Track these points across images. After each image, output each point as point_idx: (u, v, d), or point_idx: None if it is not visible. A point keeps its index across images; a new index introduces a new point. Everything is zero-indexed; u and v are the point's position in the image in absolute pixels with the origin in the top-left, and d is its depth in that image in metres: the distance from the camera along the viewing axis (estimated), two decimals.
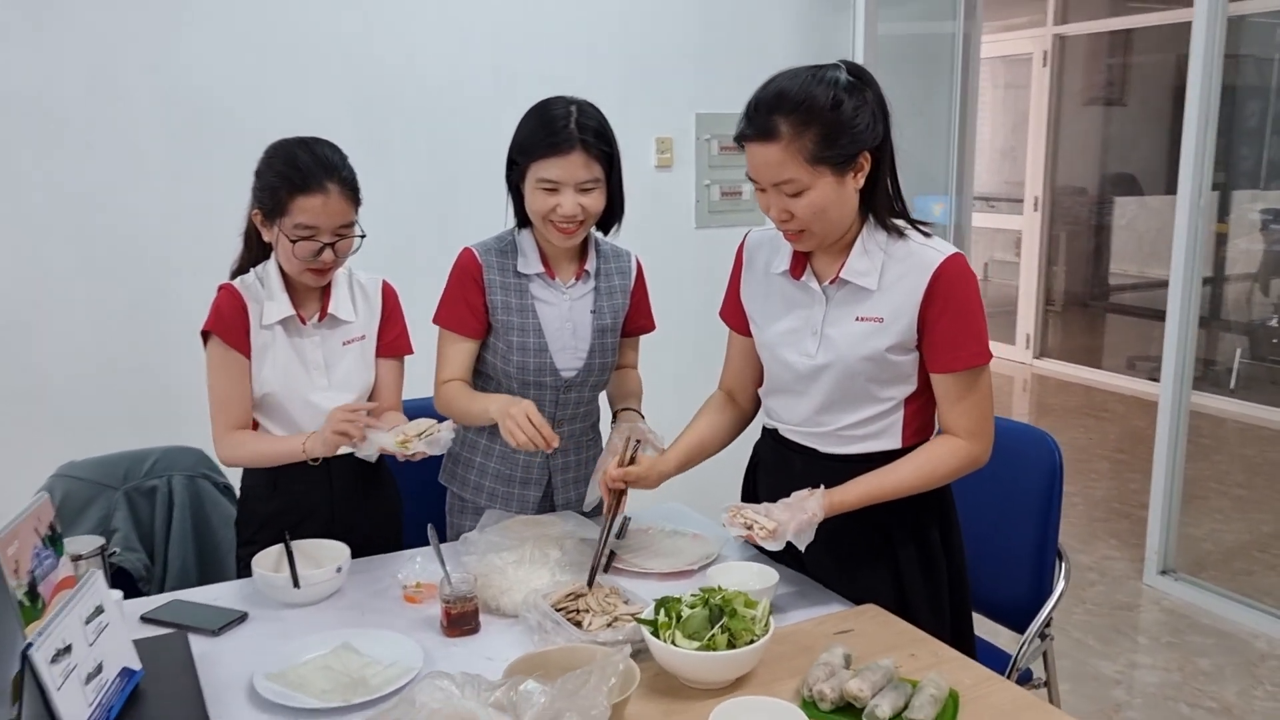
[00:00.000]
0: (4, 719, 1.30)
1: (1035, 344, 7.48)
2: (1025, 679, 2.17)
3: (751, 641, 1.48)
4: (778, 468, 1.89)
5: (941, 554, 1.83)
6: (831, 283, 1.75)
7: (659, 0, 3.72)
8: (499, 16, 3.49)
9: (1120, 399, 6.54)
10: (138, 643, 1.52)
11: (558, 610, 1.66)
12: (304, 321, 2.01)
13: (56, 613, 1.30)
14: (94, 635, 1.36)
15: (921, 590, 1.81)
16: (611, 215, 2.07)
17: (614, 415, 2.17)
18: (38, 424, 3.02)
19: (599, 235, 2.13)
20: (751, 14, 3.87)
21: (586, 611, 1.66)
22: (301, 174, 1.89)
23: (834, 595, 1.83)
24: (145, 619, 1.74)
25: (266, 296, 1.99)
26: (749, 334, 1.92)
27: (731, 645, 1.47)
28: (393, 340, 2.13)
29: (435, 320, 2.09)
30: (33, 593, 1.40)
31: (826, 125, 1.60)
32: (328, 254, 1.93)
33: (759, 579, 1.77)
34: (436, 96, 3.43)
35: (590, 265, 2.10)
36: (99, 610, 1.40)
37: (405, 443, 1.86)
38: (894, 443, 1.78)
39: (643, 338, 2.29)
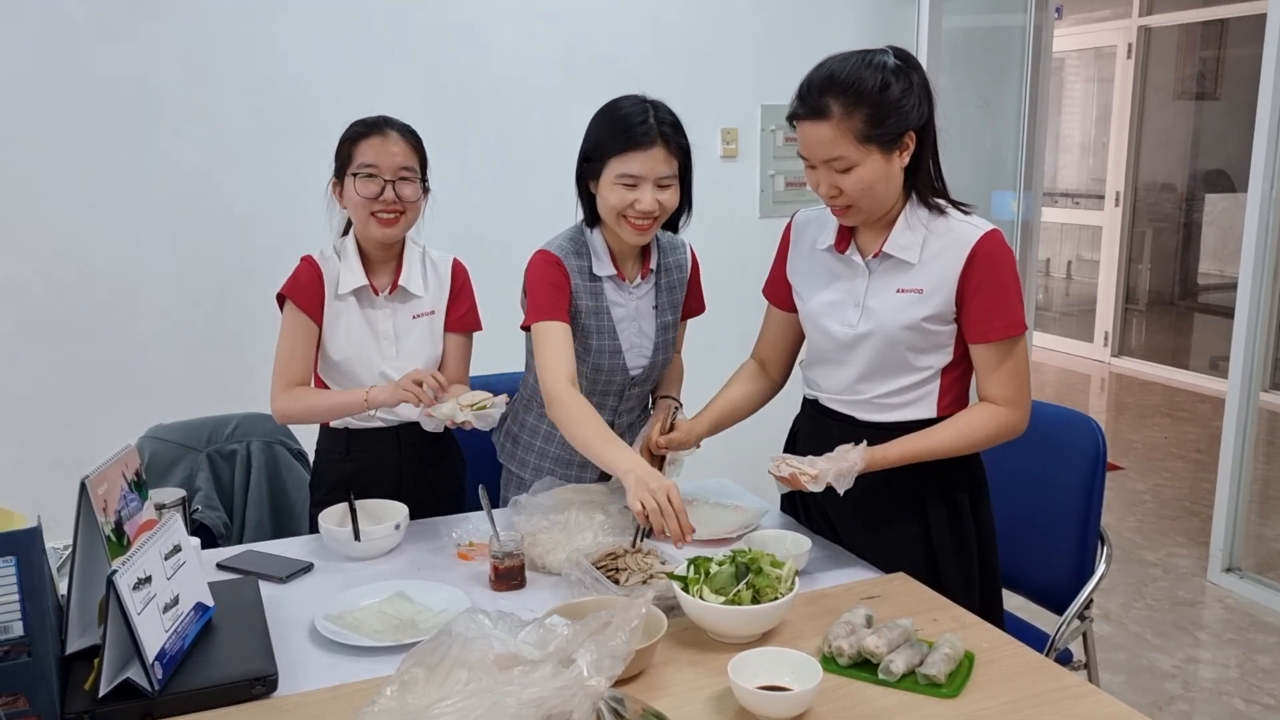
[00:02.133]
0: (92, 638, 1.45)
1: (1114, 342, 7.33)
2: (1065, 660, 2.19)
3: (775, 598, 1.55)
4: (816, 436, 1.96)
5: (971, 521, 1.89)
6: (874, 256, 1.83)
7: None
8: (567, 10, 3.60)
9: (1204, 399, 6.37)
10: (213, 585, 1.65)
11: (597, 568, 1.74)
12: (376, 293, 2.13)
13: (139, 546, 1.44)
14: (172, 570, 1.50)
15: (951, 556, 1.86)
16: (680, 211, 2.07)
17: (653, 403, 2.22)
18: (131, 390, 3.23)
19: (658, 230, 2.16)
20: (816, 7, 3.91)
21: (624, 570, 1.75)
22: (365, 125, 2.08)
23: (866, 564, 1.89)
24: (221, 566, 1.88)
25: (343, 268, 2.12)
26: (789, 309, 2.01)
27: (756, 601, 1.54)
28: (461, 316, 2.22)
29: (528, 322, 2.04)
30: (119, 530, 1.55)
31: (875, 106, 1.69)
32: (389, 192, 2.03)
33: (793, 546, 1.84)
34: (506, 88, 3.55)
35: (653, 263, 2.13)
36: (177, 549, 1.53)
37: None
38: (929, 411, 1.85)
39: (704, 327, 2.34)
